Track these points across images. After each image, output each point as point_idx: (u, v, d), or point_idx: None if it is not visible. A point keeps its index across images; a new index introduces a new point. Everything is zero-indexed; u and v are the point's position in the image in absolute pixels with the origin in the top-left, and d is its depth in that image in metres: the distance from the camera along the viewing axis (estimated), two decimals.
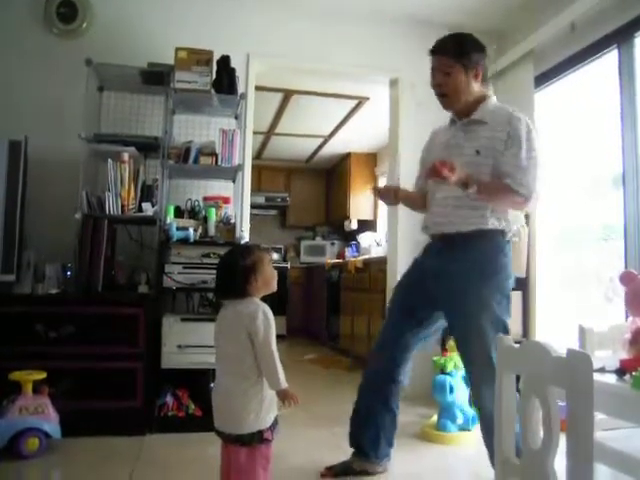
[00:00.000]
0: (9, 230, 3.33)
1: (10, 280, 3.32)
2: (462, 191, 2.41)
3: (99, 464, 2.80)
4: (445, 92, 2.61)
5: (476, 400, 2.54)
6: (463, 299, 2.46)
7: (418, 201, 2.84)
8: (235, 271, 2.16)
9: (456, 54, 2.54)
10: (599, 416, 1.42)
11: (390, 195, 2.78)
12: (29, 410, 2.85)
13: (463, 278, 2.47)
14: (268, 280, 2.21)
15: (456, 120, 2.67)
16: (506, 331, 2.40)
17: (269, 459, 2.13)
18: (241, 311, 2.12)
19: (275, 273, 2.25)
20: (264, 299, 2.21)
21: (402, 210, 4.30)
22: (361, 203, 8.47)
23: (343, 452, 3.03)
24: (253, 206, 4.73)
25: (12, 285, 3.35)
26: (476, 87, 2.58)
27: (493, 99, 2.62)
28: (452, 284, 2.50)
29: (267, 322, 2.09)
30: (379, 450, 2.73)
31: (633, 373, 1.62)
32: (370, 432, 2.72)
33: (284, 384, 2.08)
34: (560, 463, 1.49)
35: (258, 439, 2.06)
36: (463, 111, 2.61)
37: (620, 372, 1.70)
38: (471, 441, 3.29)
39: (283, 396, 2.09)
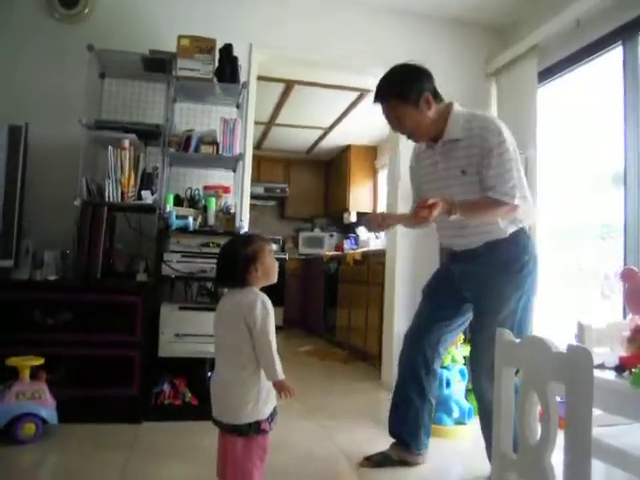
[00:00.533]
0: (8, 216, 3.32)
1: (8, 266, 3.32)
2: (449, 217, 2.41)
3: (95, 450, 2.81)
4: (408, 133, 2.62)
5: (477, 391, 2.59)
6: (486, 296, 2.54)
7: None
8: (236, 260, 2.16)
9: (398, 95, 2.51)
10: (595, 412, 1.42)
11: (375, 222, 2.72)
12: (26, 395, 2.86)
13: (487, 279, 2.53)
14: (268, 270, 2.20)
15: (432, 145, 2.65)
16: (524, 327, 2.51)
17: (266, 450, 2.13)
18: (240, 301, 2.12)
19: (276, 264, 2.25)
20: (262, 290, 2.21)
21: (401, 204, 4.31)
22: (360, 195, 8.46)
23: (336, 444, 3.05)
24: (252, 196, 4.72)
25: (10, 271, 3.34)
26: (432, 111, 2.54)
27: (456, 109, 2.57)
28: (476, 284, 2.58)
29: (265, 312, 2.09)
30: (419, 441, 2.79)
31: (633, 370, 1.63)
32: (410, 423, 2.78)
33: (281, 375, 2.08)
34: (556, 459, 1.50)
35: (255, 430, 2.06)
36: (435, 135, 2.60)
37: (619, 369, 1.70)
38: (467, 435, 3.31)
39: (279, 388, 2.09)
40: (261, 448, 2.11)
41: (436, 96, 2.57)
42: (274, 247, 8.18)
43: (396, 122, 2.58)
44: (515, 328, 2.41)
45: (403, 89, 2.50)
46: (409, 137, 2.66)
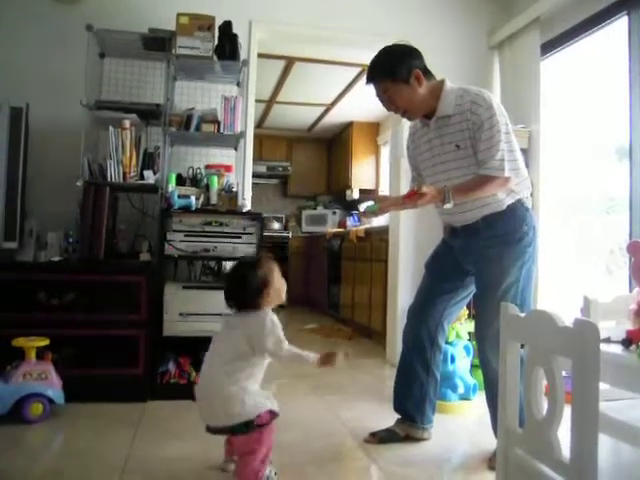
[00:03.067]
0: (11, 197, 3.31)
1: (12, 247, 3.32)
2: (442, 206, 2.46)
3: (102, 429, 2.82)
4: (402, 111, 2.63)
5: (483, 361, 2.60)
6: (488, 269, 2.56)
7: None
8: (247, 288, 2.19)
9: (389, 74, 2.52)
10: (602, 387, 1.41)
11: (372, 215, 2.81)
12: (33, 376, 2.88)
13: (487, 251, 2.55)
14: (279, 292, 2.26)
15: (426, 122, 2.66)
16: (527, 295, 2.53)
17: (272, 432, 2.16)
18: (249, 321, 2.17)
19: (284, 283, 2.30)
20: None
21: (404, 180, 4.28)
22: (363, 172, 8.43)
23: (342, 421, 3.07)
24: (254, 175, 4.70)
25: (14, 252, 3.35)
26: (424, 88, 2.55)
27: (448, 85, 2.58)
28: (477, 257, 2.60)
29: (275, 330, 2.14)
30: (425, 415, 2.81)
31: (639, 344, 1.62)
32: (415, 397, 2.80)
33: (315, 359, 2.20)
34: (562, 434, 1.50)
35: (252, 427, 2.07)
36: (428, 112, 2.61)
37: (626, 342, 1.69)
38: (472, 410, 3.32)
39: (322, 364, 2.21)
40: (265, 435, 2.13)
41: (426, 73, 2.58)
42: (277, 226, 8.20)
43: (389, 101, 2.59)
44: (518, 298, 2.47)
45: (393, 67, 2.52)
46: (403, 115, 2.67)
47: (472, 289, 2.76)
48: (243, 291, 2.19)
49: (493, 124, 2.41)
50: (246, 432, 2.07)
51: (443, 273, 2.78)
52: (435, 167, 2.62)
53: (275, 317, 2.18)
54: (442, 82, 2.59)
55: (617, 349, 1.68)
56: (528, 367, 1.63)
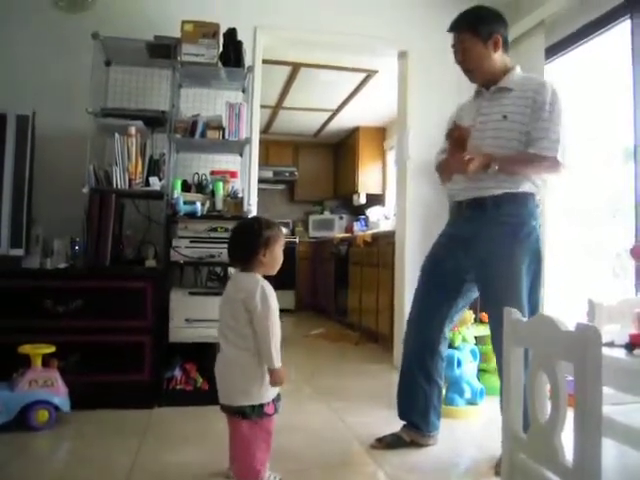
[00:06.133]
0: (17, 205, 3.33)
1: (19, 255, 3.34)
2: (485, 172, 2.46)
3: (108, 436, 2.83)
4: (469, 67, 2.68)
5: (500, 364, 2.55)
6: (495, 262, 2.50)
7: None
8: (250, 237, 2.20)
9: (471, 27, 2.60)
10: (605, 390, 1.41)
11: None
12: (39, 383, 2.88)
13: (495, 242, 2.50)
14: (273, 261, 2.24)
15: (483, 90, 2.71)
16: (535, 293, 2.51)
17: (270, 432, 2.16)
18: (241, 286, 2.17)
19: (281, 258, 2.29)
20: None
21: (410, 184, 4.30)
22: (370, 177, 8.42)
23: (348, 426, 3.06)
24: (261, 180, 4.70)
25: (21, 260, 3.36)
26: (498, 57, 2.63)
27: (518, 70, 2.67)
28: (484, 248, 2.53)
29: (265, 298, 2.12)
30: (429, 423, 2.79)
31: None
32: (419, 407, 2.78)
33: (276, 364, 2.10)
34: (566, 438, 1.49)
35: (259, 413, 2.09)
36: (490, 81, 2.66)
37: (630, 346, 1.68)
38: (479, 415, 3.31)
39: (271, 375, 2.11)
40: (265, 431, 2.13)
41: (505, 44, 2.66)
42: (284, 231, 8.20)
43: (462, 54, 2.66)
44: (532, 297, 2.48)
45: (477, 23, 2.61)
46: (466, 73, 2.72)
47: (471, 297, 2.73)
48: (243, 242, 2.21)
49: (555, 108, 2.45)
50: (251, 416, 2.08)
51: (440, 281, 2.71)
52: (473, 133, 2.58)
53: (267, 285, 2.16)
54: (514, 65, 2.69)
55: (620, 353, 1.68)
56: (532, 371, 1.63)
